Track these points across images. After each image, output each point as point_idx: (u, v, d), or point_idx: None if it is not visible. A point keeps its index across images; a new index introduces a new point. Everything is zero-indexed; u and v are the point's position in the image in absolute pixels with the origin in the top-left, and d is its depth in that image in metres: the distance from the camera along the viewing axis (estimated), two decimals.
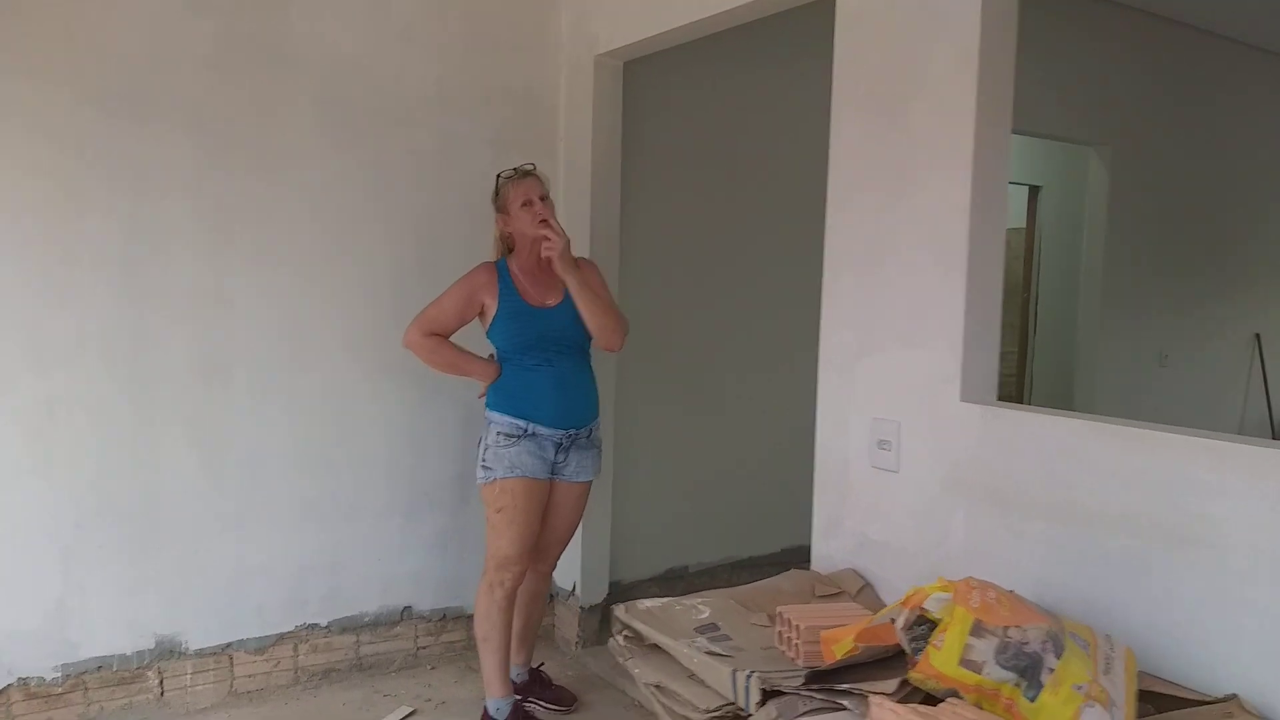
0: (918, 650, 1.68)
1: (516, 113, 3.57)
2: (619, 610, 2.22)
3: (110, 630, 3.00)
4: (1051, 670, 1.52)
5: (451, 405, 3.49)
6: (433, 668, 3.50)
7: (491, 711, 2.96)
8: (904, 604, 1.75)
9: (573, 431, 2.92)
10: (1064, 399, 7.03)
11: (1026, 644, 1.54)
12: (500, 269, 2.93)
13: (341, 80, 3.23)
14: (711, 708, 1.92)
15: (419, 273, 3.33)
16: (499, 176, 2.97)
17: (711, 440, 4.05)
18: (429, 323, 2.88)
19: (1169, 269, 5.78)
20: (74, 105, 2.82)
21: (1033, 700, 1.51)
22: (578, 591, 3.65)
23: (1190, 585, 1.72)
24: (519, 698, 3.04)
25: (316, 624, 3.33)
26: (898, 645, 1.77)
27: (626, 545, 3.81)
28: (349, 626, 3.38)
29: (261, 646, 3.24)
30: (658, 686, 2.06)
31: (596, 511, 3.59)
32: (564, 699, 3.23)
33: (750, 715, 1.83)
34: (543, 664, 3.33)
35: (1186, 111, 5.63)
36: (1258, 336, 6.43)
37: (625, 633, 2.21)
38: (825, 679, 1.79)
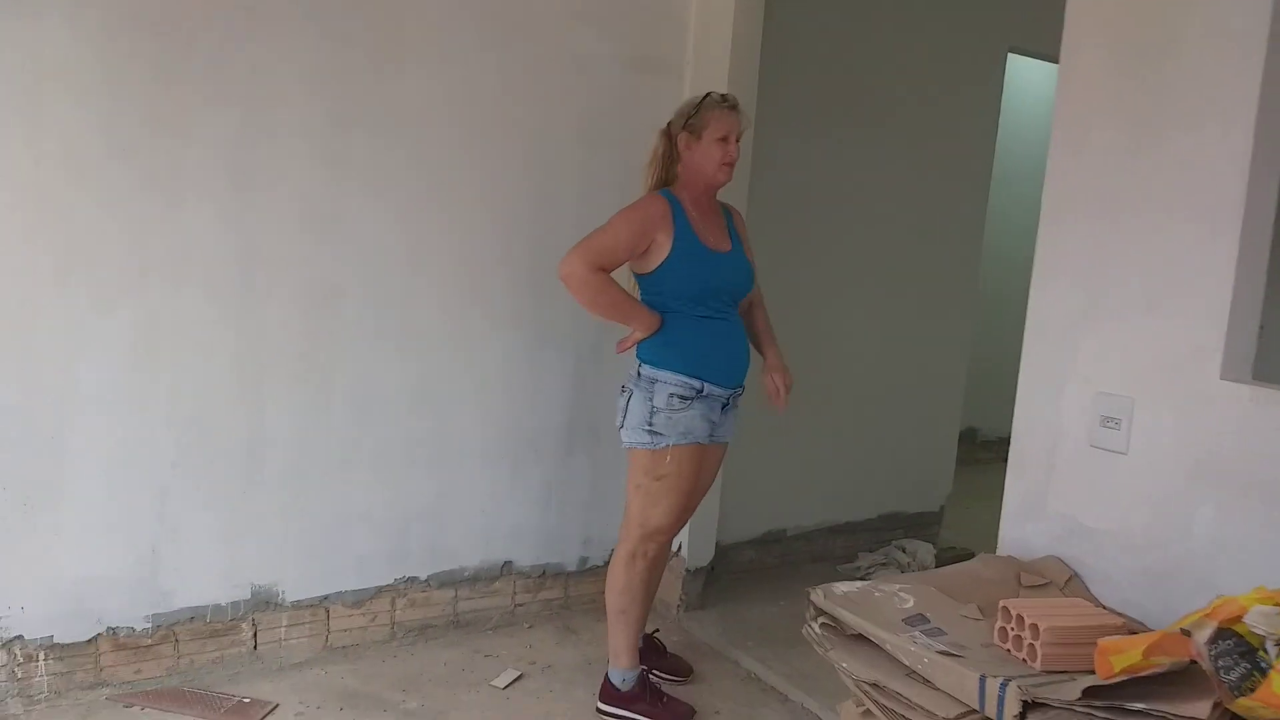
0: (1227, 671, 1.45)
1: (642, 24, 3.24)
2: (816, 596, 1.99)
3: (205, 579, 2.77)
4: None
5: (561, 350, 3.24)
6: (530, 627, 3.30)
7: (616, 681, 2.75)
8: (1209, 615, 1.51)
9: (738, 389, 2.69)
10: None
11: None
12: (673, 203, 2.57)
13: None
14: (950, 716, 1.69)
15: (539, 200, 3.07)
16: (707, 95, 2.63)
17: (815, 400, 3.80)
18: (598, 254, 2.47)
19: None
20: None
21: None
22: (683, 553, 3.43)
23: None
24: (644, 668, 2.83)
25: (416, 577, 3.11)
26: (1187, 661, 1.54)
27: (728, 507, 3.58)
28: (448, 581, 3.17)
29: (359, 600, 3.03)
30: (874, 685, 1.84)
31: None
32: (680, 669, 3.02)
33: None
34: (657, 630, 3.13)
35: None
36: None
37: (823, 620, 1.98)
38: (1105, 695, 1.56)
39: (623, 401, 2.66)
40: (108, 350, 2.55)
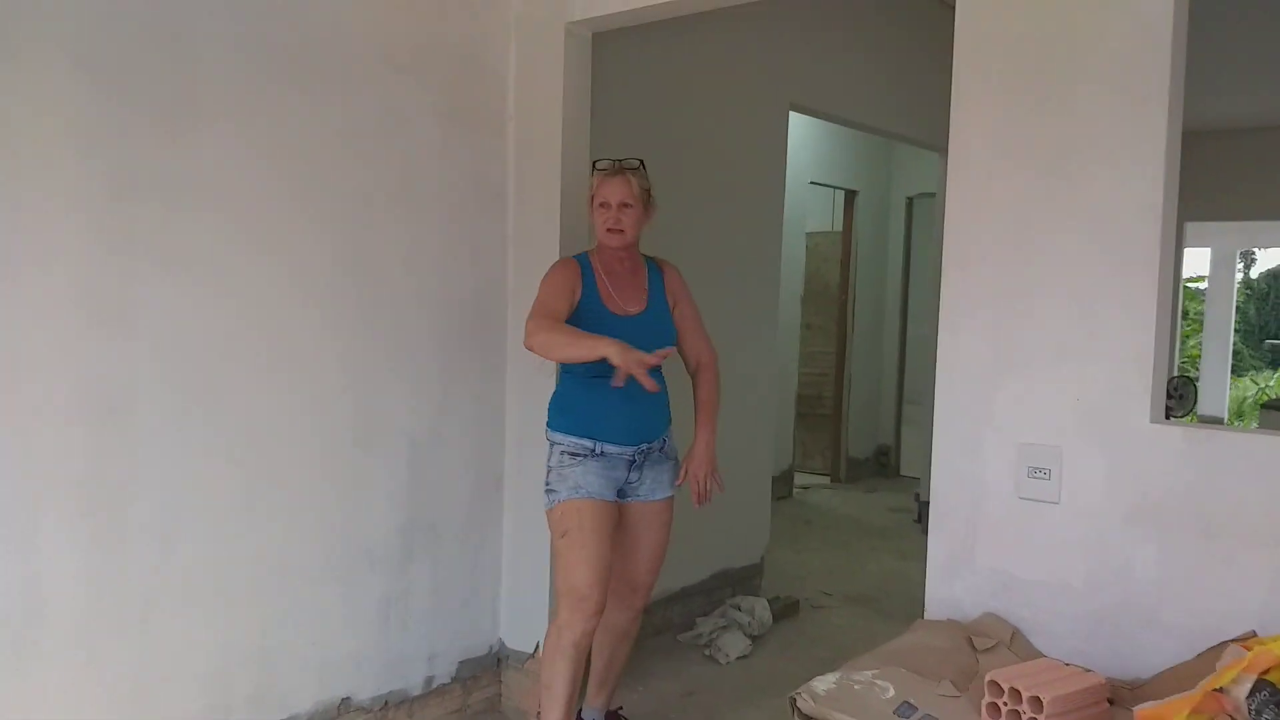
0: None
1: (460, 77, 2.96)
2: (803, 702, 1.80)
3: None
4: None
5: (394, 439, 2.84)
6: None
7: None
8: (1246, 668, 1.49)
9: (645, 446, 2.57)
10: (880, 398, 7.29)
11: None
12: (583, 265, 2.60)
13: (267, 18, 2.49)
14: None
15: (360, 269, 2.71)
16: (594, 164, 2.58)
17: None
18: (538, 310, 2.49)
19: None
20: None
21: None
22: (540, 653, 3.10)
23: None
24: None
25: None
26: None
27: None
28: None
29: None
30: None
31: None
32: None
33: None
34: (621, 708, 2.93)
35: None
36: None
37: None
38: None
39: None
40: None
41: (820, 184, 6.40)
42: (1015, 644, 2.07)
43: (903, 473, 7.31)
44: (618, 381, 2.35)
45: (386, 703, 2.89)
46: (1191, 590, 1.90)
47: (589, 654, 2.69)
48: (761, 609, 3.92)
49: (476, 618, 3.13)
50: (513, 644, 3.18)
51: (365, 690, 2.83)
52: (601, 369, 2.41)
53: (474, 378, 3.06)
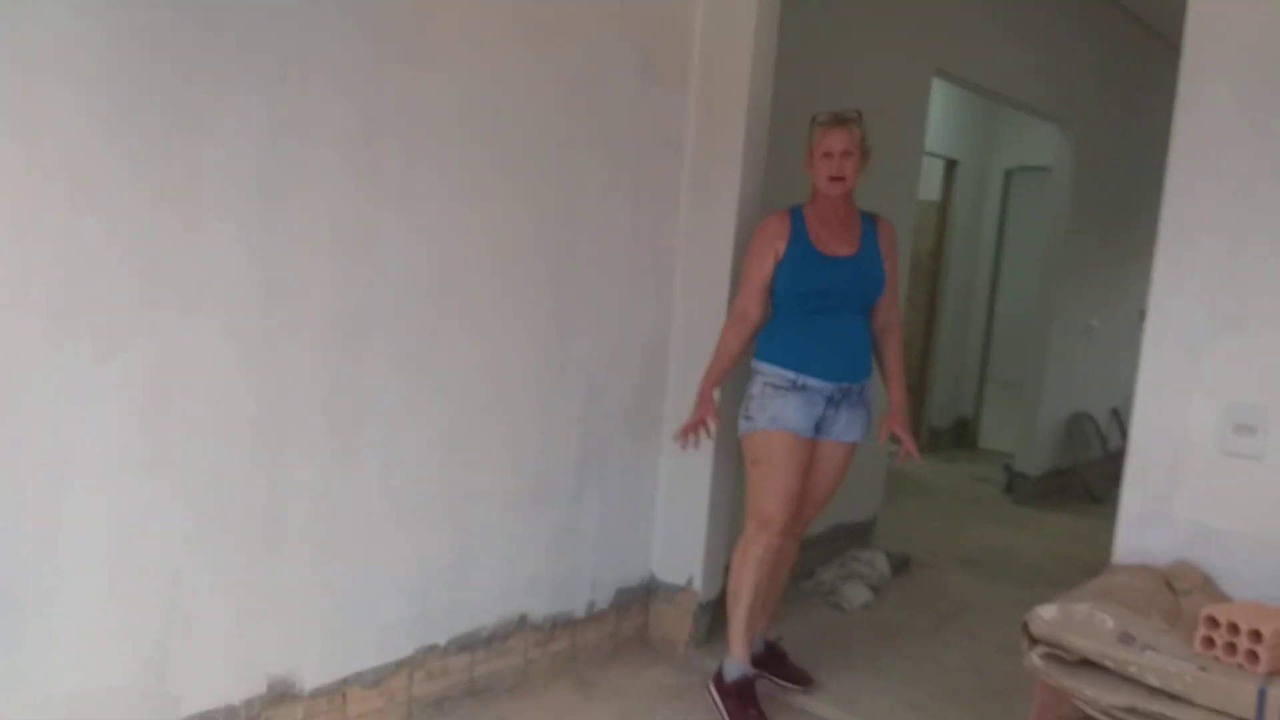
0: None
1: (654, 28, 3.06)
2: (1035, 625, 1.93)
3: (218, 676, 2.27)
4: None
5: (574, 383, 2.98)
6: (545, 685, 2.99)
7: (726, 672, 2.86)
8: None
9: (846, 385, 2.71)
10: (964, 371, 7.35)
11: None
12: (794, 214, 2.78)
13: None
14: (1233, 717, 1.68)
15: (556, 216, 2.85)
16: (813, 117, 2.71)
17: None
18: (746, 291, 2.81)
19: (1100, 247, 6.13)
20: None
21: None
22: (694, 585, 3.26)
23: None
24: (755, 671, 2.86)
25: (436, 644, 2.73)
26: None
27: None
28: (466, 644, 2.81)
29: (379, 678, 2.60)
30: (1129, 710, 1.80)
31: (716, 490, 3.24)
32: (802, 678, 3.04)
33: None
34: (780, 637, 3.14)
35: (1137, 99, 5.98)
36: (1142, 313, 6.99)
37: (1043, 649, 1.92)
38: None
39: None
40: (120, 398, 2.02)
41: (930, 153, 6.42)
42: (1208, 589, 2.18)
43: (980, 445, 7.38)
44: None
45: (555, 623, 3.06)
46: None
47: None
48: (881, 561, 4.05)
49: (632, 551, 3.28)
50: (663, 577, 3.33)
51: (539, 610, 3.00)
52: (818, 306, 2.64)
53: (645, 323, 3.19)
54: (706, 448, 3.15)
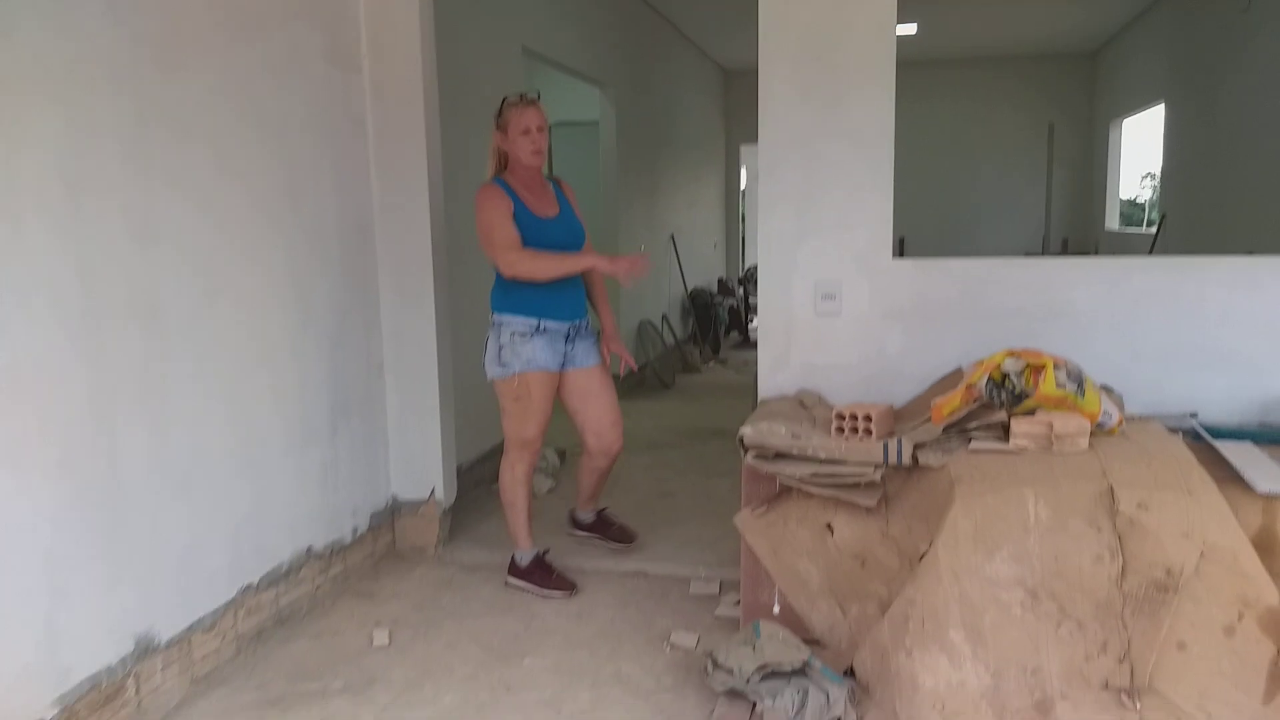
0: (998, 398, 2.83)
1: (335, 20, 3.48)
2: (750, 436, 2.90)
3: (97, 641, 2.47)
4: (1082, 381, 2.82)
5: (321, 341, 3.40)
6: (334, 604, 3.43)
7: (518, 559, 3.48)
8: (979, 373, 2.87)
9: (576, 323, 3.37)
10: None
11: (1074, 369, 2.81)
12: (504, 187, 3.24)
13: None
14: (873, 467, 2.80)
15: (289, 191, 3.23)
16: (504, 100, 3.17)
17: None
18: (507, 242, 3.20)
19: (639, 186, 7.50)
20: None
21: (1082, 397, 2.79)
22: (438, 495, 3.85)
23: (1060, 340, 3.15)
24: (540, 551, 3.53)
25: (250, 584, 3.06)
26: (972, 405, 2.88)
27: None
28: (272, 580, 3.16)
29: (214, 622, 2.90)
30: (811, 476, 2.85)
31: (444, 417, 3.85)
32: (626, 536, 3.77)
33: (907, 462, 2.78)
34: (606, 507, 3.84)
35: (654, 67, 7.35)
36: (672, 236, 8.61)
37: (753, 452, 2.91)
38: (950, 430, 2.84)
39: (485, 345, 3.33)
40: None
41: None
42: (823, 402, 3.36)
43: None
44: (625, 283, 3.26)
45: (332, 550, 3.49)
46: (922, 354, 3.29)
47: (576, 478, 3.78)
48: (552, 455, 4.92)
49: (377, 478, 3.78)
50: (404, 496, 3.87)
51: (319, 541, 3.41)
52: None
53: (360, 286, 3.65)
54: (432, 384, 3.74)
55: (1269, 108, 5.78)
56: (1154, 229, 8.19)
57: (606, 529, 3.81)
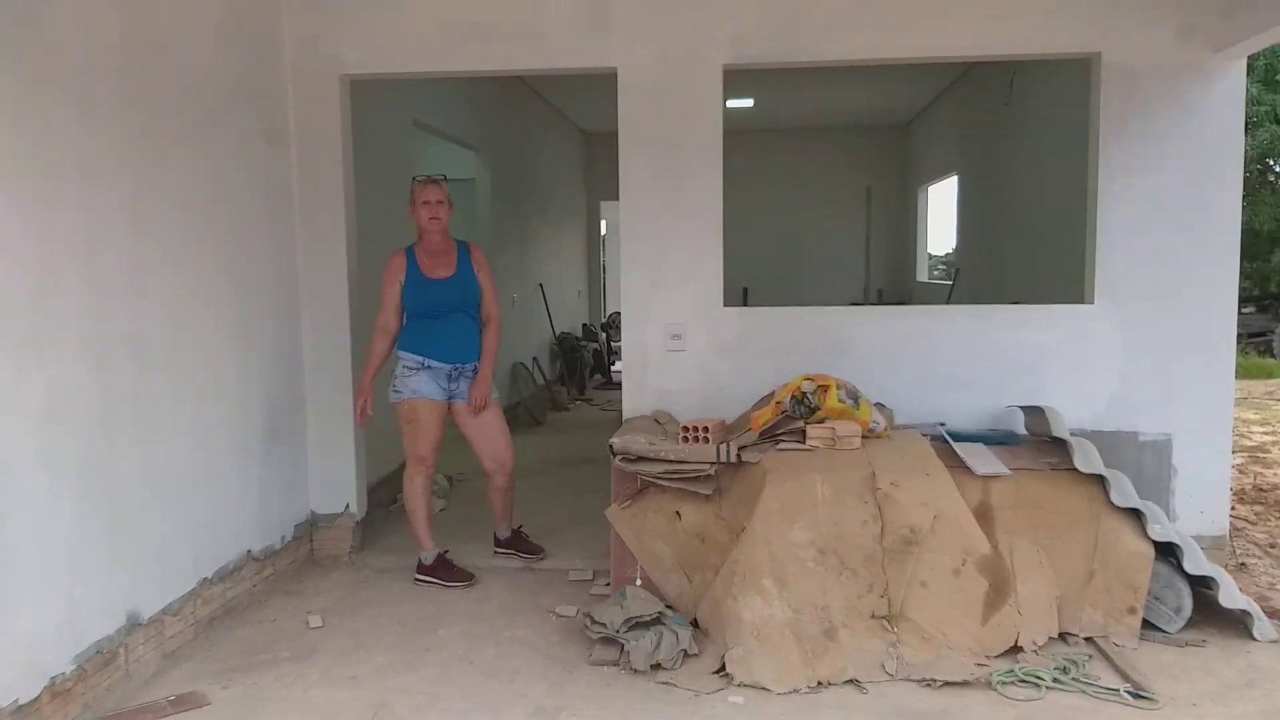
0: (800, 410, 3.80)
1: (273, 109, 4.22)
2: (618, 444, 3.77)
3: (102, 614, 3.09)
4: (858, 397, 3.82)
5: (259, 373, 4.08)
6: (266, 600, 4.07)
7: (423, 559, 4.18)
8: (785, 393, 3.84)
9: (459, 365, 4.14)
10: None
11: (851, 388, 3.81)
12: (408, 252, 4.08)
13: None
14: (708, 462, 3.71)
15: (221, 249, 3.96)
16: (414, 178, 3.96)
17: None
18: (383, 308, 4.14)
19: (511, 239, 8.35)
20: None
21: (857, 409, 3.79)
22: (351, 509, 4.54)
23: (846, 369, 4.16)
24: (441, 550, 4.23)
25: (206, 577, 3.70)
26: (779, 416, 3.85)
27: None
28: (221, 576, 3.80)
29: (179, 607, 3.53)
30: (663, 474, 3.74)
31: (358, 444, 4.56)
32: (537, 550, 4.49)
33: (734, 459, 3.70)
34: (521, 525, 4.51)
35: (527, 134, 8.25)
36: (541, 285, 9.47)
37: (620, 456, 3.78)
38: (764, 436, 3.79)
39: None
40: (20, 415, 2.80)
41: None
42: (673, 420, 4.26)
43: None
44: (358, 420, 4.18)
45: (266, 554, 4.14)
46: (743, 380, 4.25)
47: (486, 499, 4.44)
48: (442, 479, 5.65)
49: (299, 494, 4.45)
50: (321, 510, 4.55)
51: (256, 546, 4.07)
52: (432, 312, 4.06)
53: (289, 329, 4.36)
54: (346, 414, 4.45)
55: (1028, 184, 7.14)
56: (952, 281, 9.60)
57: (521, 544, 4.56)
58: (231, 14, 3.93)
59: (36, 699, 2.79)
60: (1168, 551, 3.60)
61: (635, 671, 3.29)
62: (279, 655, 3.52)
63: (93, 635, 3.04)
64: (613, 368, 10.80)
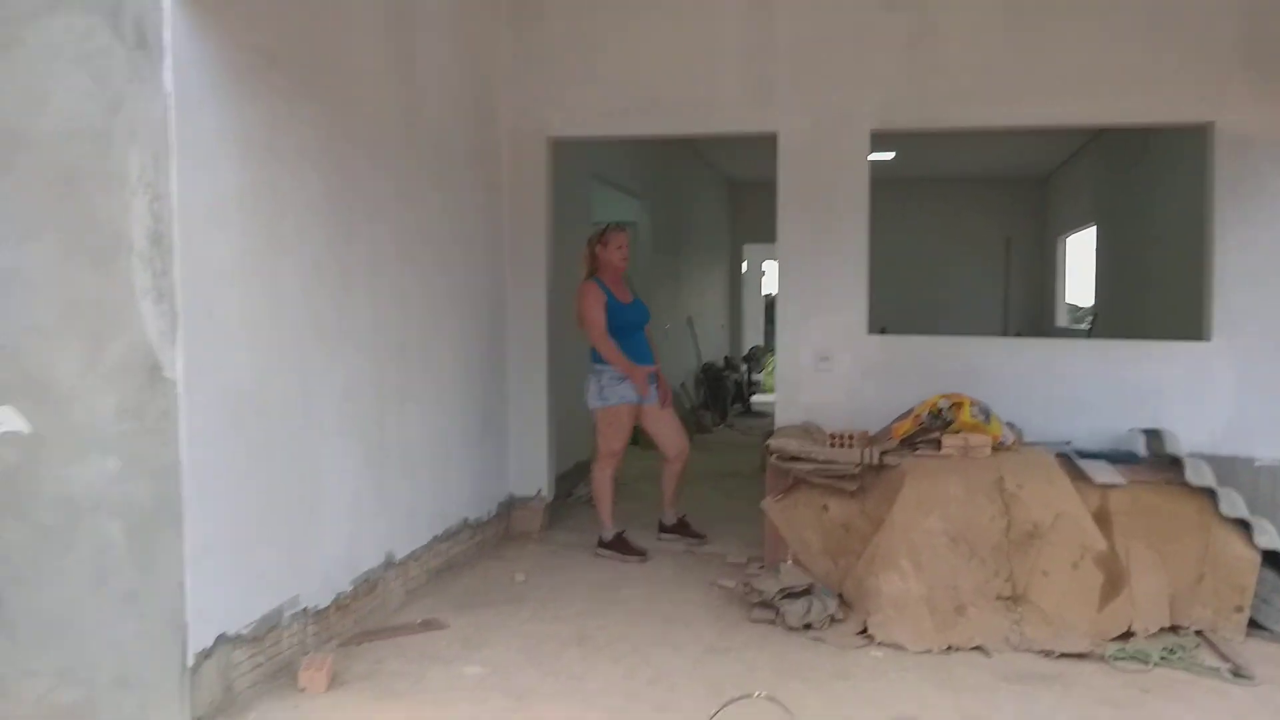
0: (936, 423, 4.40)
1: (492, 165, 5.16)
2: (774, 444, 4.46)
3: (370, 552, 3.95)
4: (989, 414, 4.40)
5: (480, 374, 4.96)
6: (478, 561, 4.90)
7: (603, 536, 4.97)
8: (923, 409, 4.44)
9: (649, 369, 4.96)
10: None
11: (983, 406, 4.39)
12: (599, 284, 4.91)
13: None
14: (854, 463, 4.35)
15: (465, 279, 4.87)
16: (607, 225, 4.82)
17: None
18: (598, 325, 4.87)
19: (664, 275, 9.18)
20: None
21: (988, 424, 4.36)
22: (543, 494, 5.37)
23: (980, 392, 4.71)
24: (620, 529, 4.98)
25: (437, 534, 4.55)
26: (918, 428, 4.45)
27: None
28: (447, 535, 4.65)
29: (419, 555, 4.38)
30: (814, 469, 4.40)
31: (550, 436, 5.39)
32: (700, 535, 5.22)
33: (876, 462, 4.32)
34: (685, 514, 5.26)
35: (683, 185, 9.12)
36: (689, 318, 10.27)
37: (776, 455, 4.47)
38: (904, 443, 4.41)
39: (587, 385, 4.87)
40: (329, 398, 3.71)
41: None
42: (821, 429, 4.92)
43: None
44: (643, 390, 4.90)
45: (478, 524, 4.99)
46: (885, 398, 4.87)
47: (661, 486, 5.22)
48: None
49: (502, 478, 5.29)
50: (518, 493, 5.39)
51: (471, 515, 4.91)
52: (628, 330, 4.90)
53: (499, 342, 5.25)
54: (542, 413, 5.29)
55: (1160, 235, 7.50)
56: (1090, 325, 9.89)
57: (685, 530, 5.30)
58: (468, 89, 4.88)
59: (327, 608, 3.65)
60: (1277, 561, 4.02)
61: (790, 629, 3.94)
62: (495, 599, 4.31)
63: (364, 565, 3.90)
64: (752, 398, 11.45)
